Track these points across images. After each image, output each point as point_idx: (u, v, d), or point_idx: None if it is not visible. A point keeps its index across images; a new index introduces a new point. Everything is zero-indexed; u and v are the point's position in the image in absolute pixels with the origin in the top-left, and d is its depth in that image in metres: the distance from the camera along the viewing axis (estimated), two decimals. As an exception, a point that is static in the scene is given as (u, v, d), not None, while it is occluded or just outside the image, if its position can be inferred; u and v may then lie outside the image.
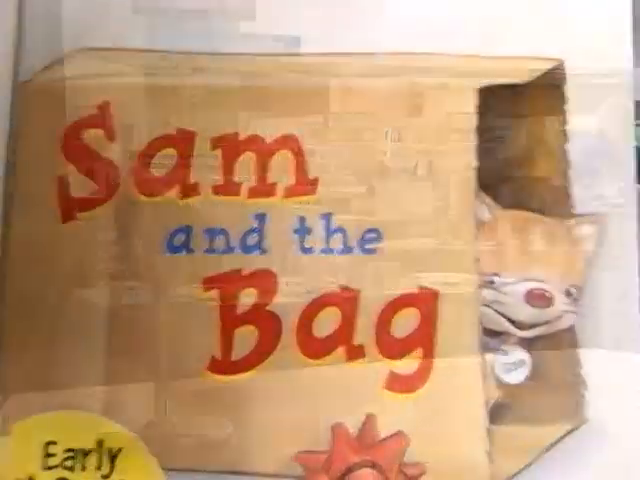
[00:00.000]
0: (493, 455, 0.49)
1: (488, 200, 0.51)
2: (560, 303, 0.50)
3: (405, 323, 0.50)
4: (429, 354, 0.49)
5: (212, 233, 0.50)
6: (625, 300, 0.51)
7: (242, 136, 0.51)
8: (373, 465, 0.48)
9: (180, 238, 0.50)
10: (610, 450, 0.50)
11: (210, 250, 0.50)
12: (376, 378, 0.49)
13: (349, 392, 0.49)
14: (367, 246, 0.50)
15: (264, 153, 0.50)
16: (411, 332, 0.49)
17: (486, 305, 0.50)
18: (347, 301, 0.50)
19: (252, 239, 0.50)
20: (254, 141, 0.51)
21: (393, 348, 0.49)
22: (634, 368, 0.51)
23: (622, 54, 0.52)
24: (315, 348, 0.49)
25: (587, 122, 0.51)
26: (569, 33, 0.52)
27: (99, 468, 0.47)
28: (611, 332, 0.51)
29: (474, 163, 0.50)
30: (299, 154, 0.50)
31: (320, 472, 0.48)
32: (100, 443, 0.47)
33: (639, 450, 0.50)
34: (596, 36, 0.52)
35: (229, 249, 0.50)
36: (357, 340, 0.49)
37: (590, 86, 0.52)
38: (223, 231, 0.50)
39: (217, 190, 0.50)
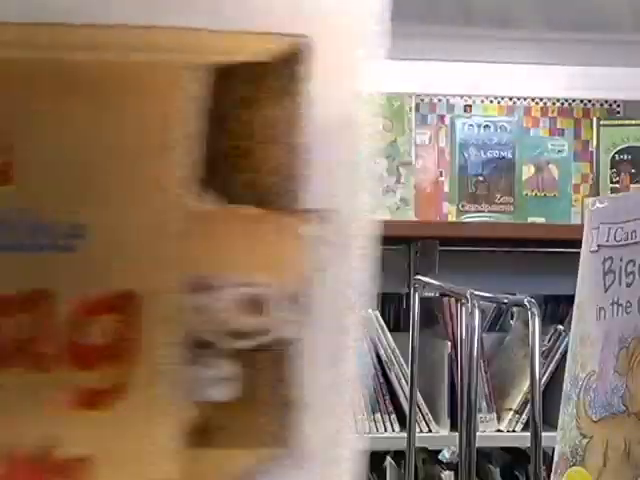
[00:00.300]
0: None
1: (210, 193, 0.44)
2: (278, 311, 0.44)
3: (103, 330, 0.43)
4: (127, 366, 0.43)
5: None
6: (348, 310, 0.44)
7: None
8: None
9: None
10: (317, 476, 0.43)
11: None
12: (63, 393, 0.42)
13: (29, 410, 0.42)
14: (67, 243, 0.43)
15: None
16: (109, 341, 0.43)
17: (196, 311, 0.44)
18: (37, 305, 0.43)
19: None
20: None
21: (86, 359, 0.43)
22: (349, 387, 0.44)
23: (372, 38, 0.45)
24: None
25: (327, 109, 0.45)
26: (314, 11, 0.44)
27: None
28: (330, 346, 0.44)
29: (196, 152, 0.44)
30: None
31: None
32: None
33: (349, 475, 0.44)
34: (344, 17, 0.45)
35: None
36: (44, 349, 0.43)
37: (334, 70, 0.45)
38: None
39: None
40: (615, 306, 0.62)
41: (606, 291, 0.64)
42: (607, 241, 0.64)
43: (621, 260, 0.63)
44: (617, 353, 0.62)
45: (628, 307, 0.61)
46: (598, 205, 0.67)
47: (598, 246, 0.65)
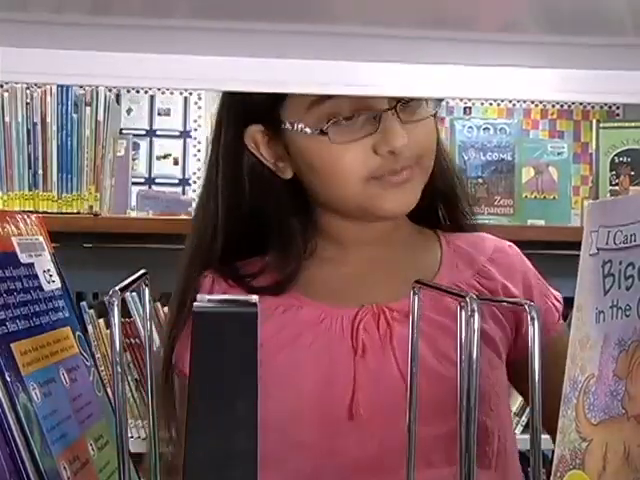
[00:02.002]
0: None
1: None
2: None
3: None
4: None
5: None
6: None
7: None
8: None
9: None
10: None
11: None
12: None
13: None
14: None
15: None
16: None
17: None
18: None
19: None
20: None
21: None
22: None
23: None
24: None
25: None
26: None
27: None
28: None
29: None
30: None
31: None
32: None
33: None
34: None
35: None
36: None
37: None
38: None
39: None
40: (614, 309, 0.62)
41: (605, 294, 0.64)
42: (606, 244, 0.64)
43: (620, 263, 0.63)
44: (616, 356, 0.62)
45: (627, 310, 0.61)
46: (597, 208, 0.67)
47: (597, 249, 0.65)
